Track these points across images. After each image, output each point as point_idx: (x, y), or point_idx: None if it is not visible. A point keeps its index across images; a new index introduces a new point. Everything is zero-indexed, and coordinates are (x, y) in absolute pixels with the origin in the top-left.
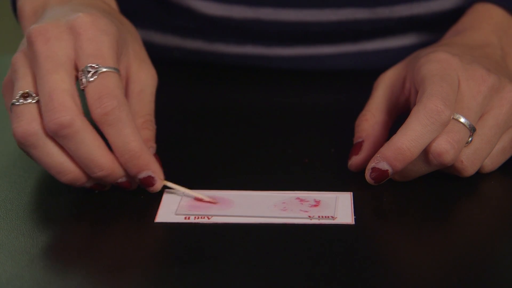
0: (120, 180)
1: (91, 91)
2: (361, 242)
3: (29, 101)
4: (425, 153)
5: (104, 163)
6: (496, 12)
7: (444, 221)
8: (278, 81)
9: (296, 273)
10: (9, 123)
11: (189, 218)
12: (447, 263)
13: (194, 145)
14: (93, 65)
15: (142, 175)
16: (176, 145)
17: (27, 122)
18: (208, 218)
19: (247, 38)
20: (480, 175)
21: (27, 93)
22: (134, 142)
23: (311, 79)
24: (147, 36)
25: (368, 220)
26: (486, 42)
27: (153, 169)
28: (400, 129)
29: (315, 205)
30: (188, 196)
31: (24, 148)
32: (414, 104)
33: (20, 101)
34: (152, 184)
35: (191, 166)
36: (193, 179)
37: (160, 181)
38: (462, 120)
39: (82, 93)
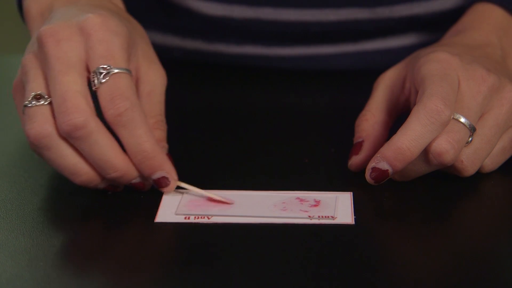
0: (134, 181)
1: (104, 93)
2: (361, 242)
3: (42, 102)
4: (425, 153)
5: (118, 164)
6: (496, 12)
7: (444, 221)
8: (278, 81)
9: (296, 273)
10: (9, 123)
11: (189, 218)
12: (447, 263)
13: (194, 145)
14: (104, 66)
15: (156, 175)
16: (176, 145)
17: (40, 123)
18: (208, 218)
19: (247, 38)
20: (480, 175)
21: (39, 94)
22: (147, 143)
23: (311, 79)
24: None
25: (368, 220)
26: (486, 42)
27: (167, 170)
28: (400, 129)
29: (315, 205)
30: (202, 196)
31: (37, 150)
32: (414, 104)
33: (33, 102)
34: (166, 185)
35: (191, 166)
36: (193, 179)
37: (174, 182)
38: (462, 120)
39: (93, 94)
